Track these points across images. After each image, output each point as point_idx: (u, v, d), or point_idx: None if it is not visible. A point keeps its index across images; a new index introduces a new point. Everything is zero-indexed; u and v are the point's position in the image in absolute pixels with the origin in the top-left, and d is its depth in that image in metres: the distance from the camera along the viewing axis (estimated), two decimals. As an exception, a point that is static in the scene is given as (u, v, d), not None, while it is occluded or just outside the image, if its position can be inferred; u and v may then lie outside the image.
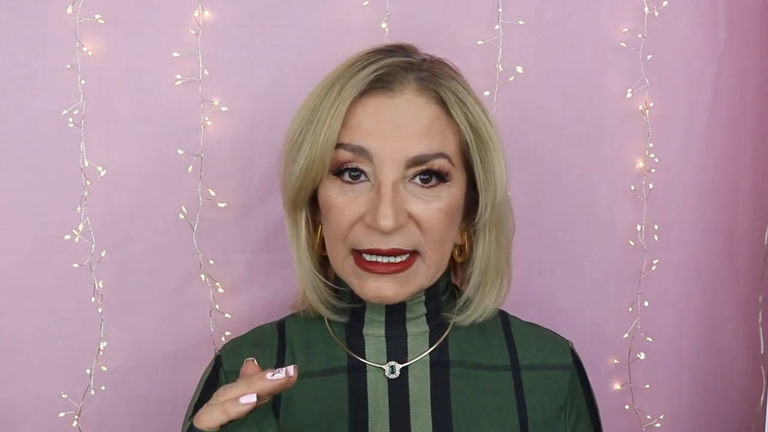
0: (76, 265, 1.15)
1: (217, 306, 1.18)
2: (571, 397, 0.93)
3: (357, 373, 0.90)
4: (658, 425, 1.27)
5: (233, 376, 0.89)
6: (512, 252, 0.95)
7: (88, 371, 1.17)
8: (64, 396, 1.16)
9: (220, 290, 1.18)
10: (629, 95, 1.21)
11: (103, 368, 1.17)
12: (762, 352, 1.26)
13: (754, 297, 1.26)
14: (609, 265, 1.24)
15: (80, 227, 1.14)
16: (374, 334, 0.91)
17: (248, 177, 1.17)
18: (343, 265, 0.86)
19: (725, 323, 1.28)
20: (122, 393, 1.18)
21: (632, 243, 1.23)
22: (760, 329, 1.25)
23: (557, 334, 0.97)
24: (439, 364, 0.90)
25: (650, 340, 1.25)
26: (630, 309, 1.25)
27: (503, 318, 0.96)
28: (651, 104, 1.21)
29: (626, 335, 1.25)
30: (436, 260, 0.85)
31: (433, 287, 0.90)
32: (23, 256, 1.14)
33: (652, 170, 1.22)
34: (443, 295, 0.92)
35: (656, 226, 1.23)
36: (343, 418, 0.88)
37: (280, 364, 0.92)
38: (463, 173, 0.87)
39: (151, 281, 1.17)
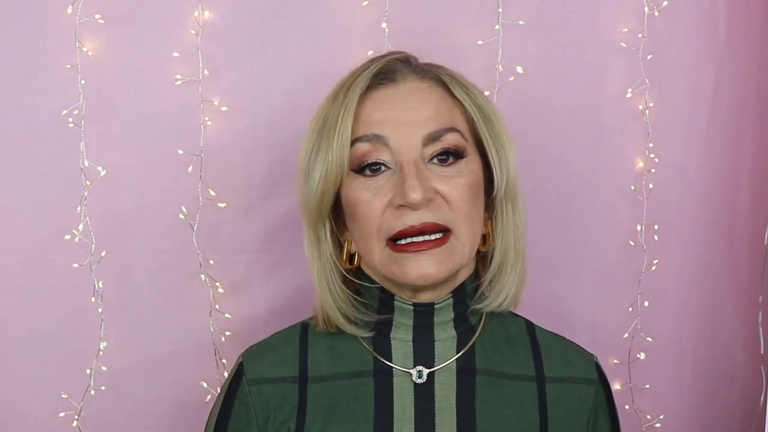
0: (76, 265, 1.15)
1: (217, 306, 1.18)
2: (594, 413, 0.92)
3: (383, 377, 0.89)
4: (658, 425, 1.26)
5: (256, 385, 0.90)
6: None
7: (88, 371, 1.17)
8: (64, 396, 1.16)
9: (220, 290, 1.18)
10: (629, 95, 1.21)
11: (103, 368, 1.17)
12: (762, 352, 1.25)
13: (754, 297, 1.26)
14: (609, 265, 1.24)
15: (80, 227, 1.14)
16: (401, 338, 0.90)
17: (248, 177, 1.17)
18: (380, 258, 0.86)
19: (725, 323, 1.28)
20: (122, 393, 1.18)
21: (632, 243, 1.23)
22: (760, 329, 1.25)
23: (581, 347, 0.97)
24: (465, 371, 0.90)
25: (650, 340, 1.25)
26: (630, 309, 1.25)
27: (529, 327, 0.96)
28: (651, 104, 1.21)
29: (626, 335, 1.25)
30: (469, 238, 0.85)
31: (460, 289, 0.90)
32: (23, 256, 1.14)
33: (652, 170, 1.22)
34: (470, 299, 0.91)
35: (656, 226, 1.23)
36: (368, 422, 0.87)
37: (302, 366, 0.91)
38: (476, 153, 0.89)
39: (151, 281, 1.17)
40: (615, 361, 1.25)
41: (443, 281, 0.86)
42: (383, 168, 0.85)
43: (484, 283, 0.92)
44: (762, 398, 1.26)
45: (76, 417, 1.17)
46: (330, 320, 0.91)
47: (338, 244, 0.92)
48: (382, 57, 0.91)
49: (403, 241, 0.84)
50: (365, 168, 0.85)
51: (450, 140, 0.85)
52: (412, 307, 0.89)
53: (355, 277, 0.91)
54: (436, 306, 0.89)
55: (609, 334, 1.24)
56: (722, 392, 1.29)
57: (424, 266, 0.83)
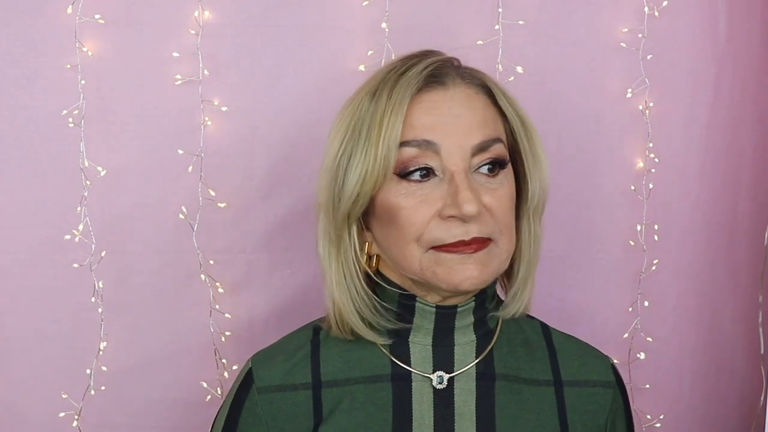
0: (76, 265, 1.15)
1: (217, 306, 1.18)
2: (612, 417, 0.92)
3: (401, 382, 0.87)
4: (658, 425, 1.27)
5: (267, 393, 0.87)
6: None
7: (88, 371, 1.17)
8: (64, 396, 1.16)
9: (220, 290, 1.18)
10: (629, 95, 1.21)
11: (103, 368, 1.17)
12: (762, 352, 1.26)
13: (754, 297, 1.26)
14: (609, 265, 1.24)
15: (80, 227, 1.14)
16: (421, 342, 0.88)
17: (248, 177, 1.17)
18: (422, 261, 0.82)
19: (725, 323, 1.28)
20: (122, 393, 1.18)
21: (632, 243, 1.23)
22: (760, 329, 1.25)
23: (597, 348, 0.96)
24: (484, 376, 0.88)
25: (650, 340, 1.25)
26: (630, 309, 1.25)
27: (544, 330, 0.94)
28: (651, 104, 1.21)
29: (626, 335, 1.25)
30: (507, 247, 0.84)
31: (481, 293, 0.88)
32: (23, 256, 1.14)
33: (652, 170, 1.22)
34: (491, 302, 0.90)
35: (656, 226, 1.23)
36: (386, 429, 0.85)
37: (315, 370, 0.88)
38: (512, 162, 0.88)
39: (151, 281, 1.17)
40: (615, 361, 1.25)
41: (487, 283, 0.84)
42: (432, 175, 0.82)
43: (509, 293, 0.90)
44: (762, 398, 1.26)
45: (76, 417, 1.17)
46: (344, 324, 0.88)
47: (361, 248, 0.89)
48: (426, 56, 0.87)
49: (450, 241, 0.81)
50: (413, 173, 0.82)
51: (497, 151, 0.83)
52: (434, 309, 0.87)
53: (372, 280, 0.89)
54: (458, 309, 0.87)
55: (609, 334, 1.25)
56: (722, 392, 1.29)
57: (470, 269, 0.81)
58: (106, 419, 1.18)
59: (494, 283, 0.90)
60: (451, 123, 0.83)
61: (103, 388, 1.17)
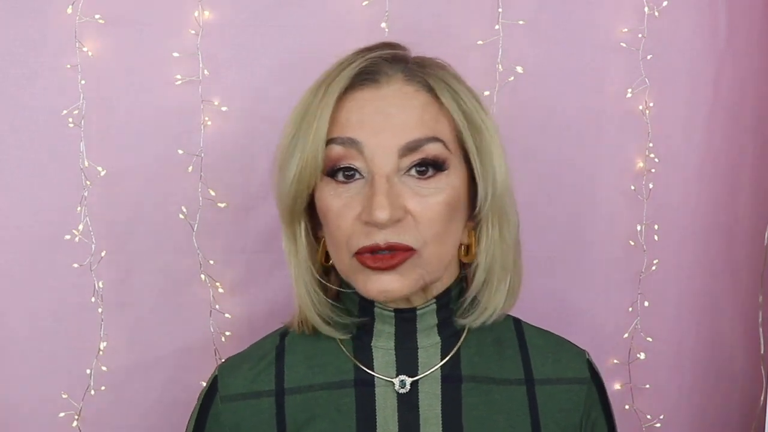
0: (76, 265, 1.15)
1: (217, 306, 1.18)
2: (587, 412, 0.89)
3: (365, 387, 0.86)
4: (658, 425, 1.26)
5: (230, 402, 0.87)
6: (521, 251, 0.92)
7: (88, 371, 1.17)
8: (64, 396, 1.16)
9: (220, 290, 1.18)
10: (629, 95, 1.21)
11: (103, 368, 1.17)
12: (762, 352, 1.25)
13: (754, 297, 1.26)
14: (609, 265, 1.24)
15: (80, 227, 1.14)
16: (383, 346, 0.86)
17: (248, 177, 1.17)
18: (348, 267, 0.82)
19: (725, 323, 1.28)
20: (122, 393, 1.18)
21: (632, 243, 1.23)
22: (760, 329, 1.25)
23: (573, 343, 0.93)
24: (450, 378, 0.86)
25: (650, 340, 1.25)
26: (630, 309, 1.25)
27: (517, 327, 0.92)
28: (651, 104, 1.21)
29: (626, 335, 1.25)
30: (436, 256, 0.81)
31: (444, 294, 0.86)
32: (23, 256, 1.14)
33: (652, 170, 1.22)
34: (455, 303, 0.88)
35: (656, 226, 1.23)
36: None
37: (279, 377, 0.87)
38: (462, 163, 0.84)
39: (151, 281, 1.17)
40: (615, 361, 1.25)
41: (411, 295, 0.83)
42: (357, 175, 0.80)
43: (467, 300, 0.87)
44: (762, 398, 1.26)
45: (76, 417, 1.17)
46: (307, 321, 0.88)
47: (315, 243, 0.88)
48: (370, 50, 0.85)
49: (370, 255, 0.79)
50: (337, 172, 0.80)
51: (430, 150, 0.79)
52: (393, 314, 0.85)
53: (334, 277, 0.88)
54: (418, 312, 0.85)
55: (609, 334, 1.24)
56: (722, 392, 1.29)
57: (386, 282, 0.79)
58: (106, 419, 1.18)
59: (459, 283, 0.88)
60: (380, 122, 0.80)
61: (103, 388, 1.17)
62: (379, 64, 0.83)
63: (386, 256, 0.79)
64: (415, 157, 0.80)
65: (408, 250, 0.79)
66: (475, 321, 0.87)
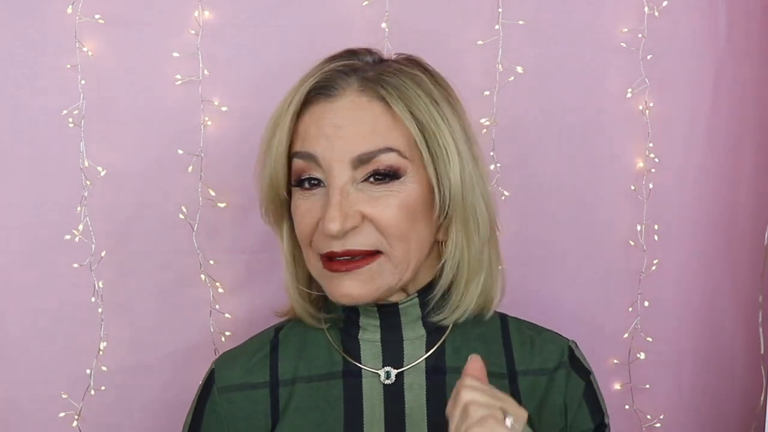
0: (76, 265, 1.15)
1: (217, 306, 1.18)
2: (569, 395, 0.90)
3: (352, 378, 0.89)
4: (658, 425, 1.27)
5: (227, 393, 0.90)
6: (500, 250, 0.92)
7: (88, 371, 1.17)
8: (64, 396, 1.16)
9: (220, 290, 1.18)
10: (629, 95, 1.21)
11: (103, 368, 1.17)
12: (762, 352, 1.26)
13: (754, 297, 1.26)
14: (609, 265, 1.24)
15: (80, 227, 1.14)
16: (370, 339, 0.89)
17: (248, 177, 1.16)
18: (315, 268, 0.86)
19: (725, 323, 1.28)
20: (122, 393, 1.18)
21: (632, 243, 1.23)
22: (760, 329, 1.25)
23: (558, 334, 0.94)
24: (435, 371, 0.89)
25: (650, 340, 1.25)
26: (630, 309, 1.25)
27: (503, 322, 0.94)
28: (651, 104, 1.21)
29: (626, 335, 1.25)
30: (403, 258, 0.83)
31: (427, 288, 0.88)
32: (23, 256, 1.14)
33: (652, 170, 1.22)
34: (439, 298, 0.89)
35: (656, 226, 1.23)
36: (338, 425, 0.87)
37: (273, 369, 0.91)
38: (423, 168, 0.84)
39: (151, 281, 1.17)
40: (615, 361, 1.25)
41: (378, 298, 0.85)
42: (322, 183, 0.83)
43: (436, 296, 0.88)
44: (762, 398, 1.26)
45: (76, 417, 1.17)
46: (296, 311, 0.93)
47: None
48: (331, 60, 0.87)
49: (332, 259, 0.83)
50: (303, 182, 0.84)
51: (383, 161, 0.81)
52: (375, 308, 0.88)
53: None
54: (400, 306, 0.88)
55: (609, 334, 1.25)
56: (722, 392, 1.29)
57: (348, 286, 0.82)
58: (106, 419, 1.18)
59: (440, 277, 0.88)
60: (333, 134, 0.82)
61: (103, 388, 1.17)
62: (333, 77, 0.84)
63: (345, 261, 0.82)
64: (369, 168, 0.82)
65: (372, 254, 0.82)
66: (447, 319, 0.89)
